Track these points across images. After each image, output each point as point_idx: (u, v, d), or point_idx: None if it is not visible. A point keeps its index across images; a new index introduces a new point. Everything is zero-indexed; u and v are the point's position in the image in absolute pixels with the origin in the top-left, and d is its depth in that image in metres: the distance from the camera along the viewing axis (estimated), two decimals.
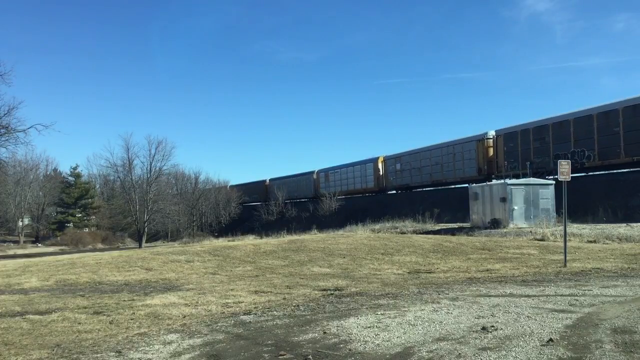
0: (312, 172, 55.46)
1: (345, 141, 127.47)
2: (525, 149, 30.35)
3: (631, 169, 25.61)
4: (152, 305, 8.03)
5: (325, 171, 53.16)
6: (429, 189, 39.71)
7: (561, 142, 28.10)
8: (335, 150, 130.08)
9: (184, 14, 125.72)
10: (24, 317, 7.31)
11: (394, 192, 44.36)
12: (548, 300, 7.52)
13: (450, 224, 26.99)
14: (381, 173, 44.53)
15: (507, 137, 32.01)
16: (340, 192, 47.73)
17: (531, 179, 24.29)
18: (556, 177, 17.89)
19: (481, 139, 34.02)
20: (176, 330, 6.30)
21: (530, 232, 19.69)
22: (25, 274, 12.25)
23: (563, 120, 28.15)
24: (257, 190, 64.68)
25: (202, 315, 7.23)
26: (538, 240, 17.75)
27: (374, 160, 45.32)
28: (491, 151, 33.60)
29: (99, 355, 5.25)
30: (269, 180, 64.55)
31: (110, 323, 6.81)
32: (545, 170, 28.29)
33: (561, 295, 7.85)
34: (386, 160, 44.28)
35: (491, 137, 33.70)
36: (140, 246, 40.57)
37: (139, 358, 5.11)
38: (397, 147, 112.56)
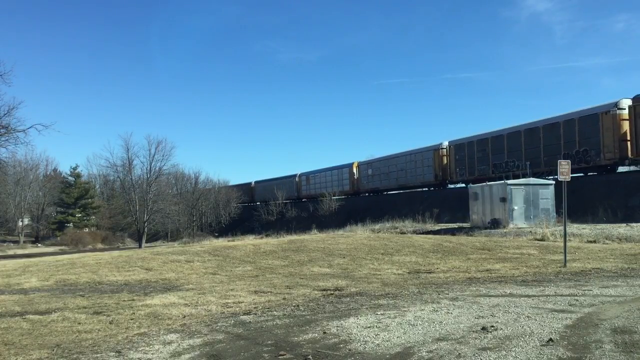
0: (295, 175, 58.00)
1: (345, 141, 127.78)
2: (470, 158, 34.66)
3: (631, 169, 25.68)
4: (152, 305, 8.03)
5: (307, 174, 56.20)
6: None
7: (498, 153, 32.44)
8: (337, 150, 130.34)
9: (184, 14, 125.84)
10: (24, 317, 7.31)
11: (366, 194, 47.81)
12: (548, 300, 7.52)
13: (450, 224, 27.00)
14: (356, 177, 48.36)
15: (457, 147, 36.20)
16: (321, 194, 50.65)
17: (531, 179, 24.30)
18: (555, 177, 19.19)
19: (437, 149, 38.23)
20: (176, 330, 6.30)
21: (530, 232, 19.69)
22: (25, 274, 12.25)
23: (499, 135, 32.61)
24: (245, 192, 65.16)
25: (202, 315, 7.23)
26: (538, 240, 17.74)
27: (350, 166, 49.15)
28: (445, 159, 37.75)
29: (99, 355, 5.25)
30: (254, 182, 66.28)
31: (110, 323, 6.81)
32: (486, 176, 32.37)
33: (561, 295, 7.85)
34: (360, 165, 48.31)
35: (445, 147, 37.77)
36: (140, 246, 40.56)
37: (139, 358, 5.11)
38: (398, 146, 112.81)
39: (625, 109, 24.84)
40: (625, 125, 24.76)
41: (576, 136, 26.84)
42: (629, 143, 24.46)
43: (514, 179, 25.81)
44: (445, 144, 37.82)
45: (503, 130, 32.51)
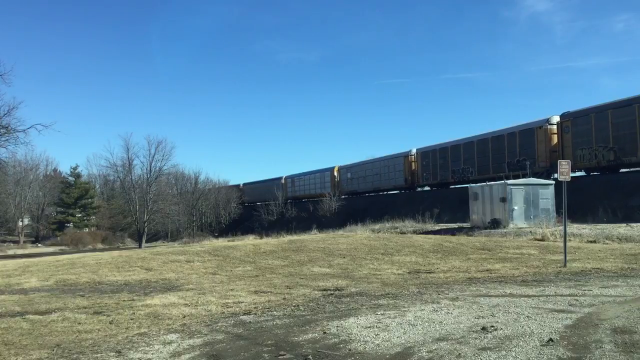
0: (281, 178, 60.86)
1: (346, 141, 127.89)
2: (434, 165, 39.02)
3: (631, 169, 25.72)
4: (152, 305, 8.03)
5: (292, 177, 59.41)
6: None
7: (456, 160, 36.54)
8: (336, 150, 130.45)
9: (184, 14, 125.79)
10: (24, 317, 7.30)
11: (346, 196, 50.59)
12: (548, 300, 7.52)
13: (450, 224, 26.99)
14: (337, 180, 51.81)
15: (423, 154, 40.47)
16: (305, 196, 55.03)
17: (531, 179, 24.31)
18: (556, 177, 19.71)
19: (406, 156, 42.26)
20: (176, 330, 6.30)
21: (530, 232, 19.69)
22: (25, 274, 12.24)
23: (456, 145, 36.85)
24: (234, 194, 65.50)
25: (202, 315, 7.23)
26: (538, 240, 17.74)
27: (331, 169, 52.70)
28: (414, 165, 41.85)
29: (99, 355, 5.25)
30: (243, 184, 68.28)
31: (110, 323, 6.81)
32: (447, 181, 37.50)
33: (561, 295, 7.85)
34: (340, 169, 51.99)
35: (413, 154, 41.85)
36: (140, 246, 40.58)
37: (139, 358, 5.11)
38: (399, 146, 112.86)
39: (555, 124, 29.10)
40: (555, 139, 29.15)
41: (517, 147, 31.31)
42: (557, 153, 28.33)
43: (466, 183, 29.23)
44: (414, 151, 41.77)
45: (460, 140, 36.76)
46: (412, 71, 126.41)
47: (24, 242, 52.28)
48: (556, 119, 29.08)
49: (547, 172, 28.58)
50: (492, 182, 25.36)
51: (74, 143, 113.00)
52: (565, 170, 12.19)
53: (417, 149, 41.52)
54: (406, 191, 42.91)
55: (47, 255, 25.34)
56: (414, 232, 24.91)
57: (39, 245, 50.22)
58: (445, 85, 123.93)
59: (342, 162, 56.48)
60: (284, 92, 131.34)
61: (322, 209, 46.62)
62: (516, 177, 27.00)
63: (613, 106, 25.57)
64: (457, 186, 36.57)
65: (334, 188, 50.39)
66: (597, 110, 26.38)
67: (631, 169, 26.06)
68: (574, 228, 19.11)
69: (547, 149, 29.22)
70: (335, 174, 51.98)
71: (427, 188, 41.03)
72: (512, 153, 31.60)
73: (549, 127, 29.39)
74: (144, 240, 44.67)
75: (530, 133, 30.51)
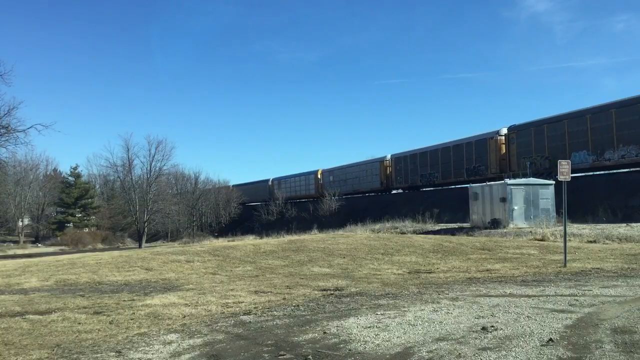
0: (268, 180, 64.16)
1: (346, 141, 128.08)
2: (405, 169, 42.75)
3: (631, 169, 25.74)
4: (152, 305, 8.03)
5: (279, 179, 62.37)
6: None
7: (424, 166, 40.42)
8: (337, 149, 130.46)
9: (184, 14, 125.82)
10: (24, 317, 7.30)
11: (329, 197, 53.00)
12: (548, 300, 7.51)
13: (450, 224, 26.99)
14: (320, 182, 54.57)
15: (397, 160, 44.22)
16: (290, 197, 57.74)
17: (531, 179, 24.31)
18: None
19: (382, 161, 45.89)
20: (176, 330, 6.30)
21: (530, 232, 19.68)
22: (25, 274, 12.24)
23: (424, 152, 40.69)
24: (225, 195, 65.67)
25: (202, 315, 7.23)
26: (538, 240, 17.74)
27: (315, 172, 55.95)
28: (389, 170, 45.37)
29: (99, 355, 5.25)
30: (232, 185, 69.76)
31: (110, 323, 6.81)
32: (416, 185, 41.19)
33: (561, 296, 7.85)
34: (323, 172, 55.17)
35: (388, 159, 45.40)
36: (140, 246, 40.54)
37: (139, 358, 5.11)
38: (398, 146, 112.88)
39: (503, 135, 32.87)
40: (504, 148, 33.04)
41: (473, 155, 35.15)
42: (506, 161, 32.63)
43: (432, 187, 33.08)
44: (389, 156, 45.24)
45: (427, 147, 40.56)
46: (412, 71, 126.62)
47: (24, 242, 52.23)
48: (504, 131, 32.81)
49: (499, 177, 30.59)
50: (492, 182, 25.37)
51: (74, 143, 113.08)
52: (565, 170, 12.18)
53: (391, 155, 45.12)
54: (406, 191, 43.79)
55: (47, 255, 25.34)
56: (414, 232, 24.91)
57: (39, 245, 50.18)
58: (445, 85, 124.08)
59: (341, 162, 57.63)
60: (284, 92, 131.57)
61: (322, 209, 46.68)
62: (472, 182, 29.02)
63: (548, 121, 29.65)
64: (425, 189, 40.88)
65: (317, 190, 52.34)
66: (536, 125, 30.27)
67: (630, 169, 26.21)
68: (574, 228, 19.11)
69: (497, 157, 33.18)
70: (319, 176, 54.61)
71: (400, 190, 44.63)
72: (469, 160, 35.46)
73: (498, 138, 33.19)
74: (144, 240, 44.62)
75: (484, 143, 34.27)
